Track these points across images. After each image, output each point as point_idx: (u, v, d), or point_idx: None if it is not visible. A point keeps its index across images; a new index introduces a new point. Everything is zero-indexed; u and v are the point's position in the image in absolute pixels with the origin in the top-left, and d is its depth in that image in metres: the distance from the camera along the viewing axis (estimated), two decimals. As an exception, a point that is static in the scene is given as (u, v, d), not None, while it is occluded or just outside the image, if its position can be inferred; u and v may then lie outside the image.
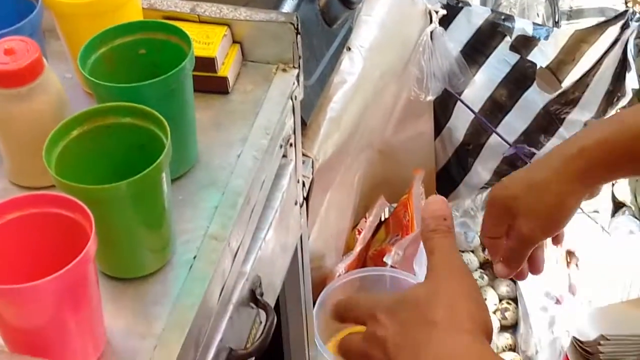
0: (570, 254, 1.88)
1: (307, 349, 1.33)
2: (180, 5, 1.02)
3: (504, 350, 1.90)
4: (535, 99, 1.78)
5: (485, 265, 2.01)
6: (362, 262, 1.64)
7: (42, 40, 0.94)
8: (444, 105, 1.79)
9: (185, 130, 0.89)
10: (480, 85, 1.78)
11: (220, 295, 0.84)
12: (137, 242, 0.80)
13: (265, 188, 0.96)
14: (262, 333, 0.92)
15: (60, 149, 0.76)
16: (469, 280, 0.80)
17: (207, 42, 1.00)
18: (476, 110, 1.77)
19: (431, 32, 1.65)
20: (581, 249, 1.88)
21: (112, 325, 0.77)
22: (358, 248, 1.60)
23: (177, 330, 0.75)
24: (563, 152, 0.96)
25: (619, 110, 1.01)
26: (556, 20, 2.40)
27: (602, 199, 2.12)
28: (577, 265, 1.87)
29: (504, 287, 1.98)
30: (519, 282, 1.84)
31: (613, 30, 1.74)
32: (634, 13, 1.75)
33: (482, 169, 1.85)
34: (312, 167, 1.25)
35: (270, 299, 1.01)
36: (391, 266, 1.55)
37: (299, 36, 1.02)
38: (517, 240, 0.98)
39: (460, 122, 1.81)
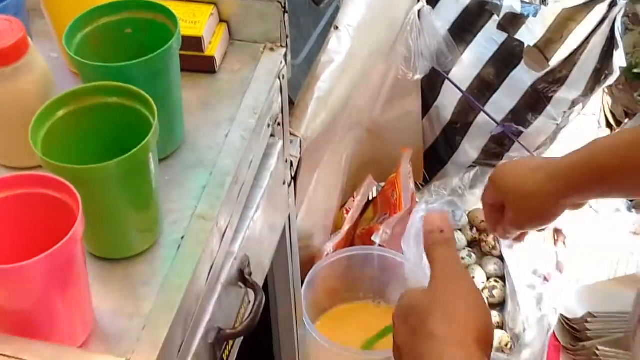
0: (557, 232, 1.88)
1: (296, 327, 1.33)
2: (167, -17, 1.01)
3: (491, 328, 1.89)
4: (522, 77, 1.78)
5: (473, 244, 2.01)
6: (350, 241, 1.64)
7: (26, 19, 0.93)
8: (432, 84, 1.78)
9: (172, 109, 0.88)
10: (467, 64, 1.78)
11: (208, 275, 0.84)
12: (125, 222, 0.79)
13: (253, 168, 0.96)
14: (250, 313, 0.92)
15: (46, 129, 0.76)
16: (467, 285, 0.87)
17: (193, 21, 0.99)
18: (464, 89, 1.77)
19: (419, 11, 1.65)
20: (568, 227, 1.88)
21: (100, 305, 0.76)
22: (346, 227, 1.60)
23: (165, 311, 0.75)
24: (548, 170, 1.12)
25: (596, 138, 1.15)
26: (544, -2, 2.40)
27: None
28: (564, 243, 1.87)
29: (492, 266, 1.98)
30: (507, 261, 1.84)
31: (601, 9, 1.74)
32: (621, -9, 1.75)
33: (469, 148, 1.85)
34: (300, 146, 1.25)
35: (259, 279, 1.01)
36: (379, 245, 1.55)
37: (286, 15, 1.01)
38: (510, 225, 1.15)
39: (448, 100, 1.81)
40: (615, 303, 1.57)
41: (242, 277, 0.93)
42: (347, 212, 1.62)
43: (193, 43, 0.98)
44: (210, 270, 0.84)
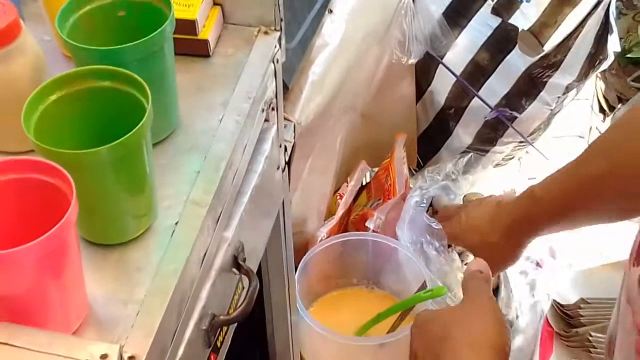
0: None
1: (289, 313, 1.33)
2: (160, -34, 1.00)
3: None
4: (517, 62, 1.77)
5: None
6: (343, 226, 1.64)
7: (18, 2, 0.92)
8: (426, 68, 1.77)
9: (166, 93, 0.88)
10: (462, 49, 1.77)
11: (202, 261, 0.83)
12: (119, 207, 0.79)
13: (247, 152, 0.95)
14: (244, 299, 0.91)
15: (39, 113, 0.75)
16: (492, 308, 1.02)
17: (187, 4, 0.98)
18: (458, 74, 1.76)
19: (413, -6, 1.64)
20: (561, 212, 1.88)
21: (94, 291, 0.76)
22: (340, 213, 1.59)
23: (159, 296, 0.75)
24: (504, 221, 1.33)
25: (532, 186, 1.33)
26: (538, -18, 2.38)
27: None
28: (557, 228, 1.87)
29: (485, 251, 1.98)
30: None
31: (595, -7, 1.73)
32: (615, -25, 1.74)
33: (463, 133, 1.84)
34: (294, 131, 1.24)
35: (253, 265, 1.00)
36: (373, 231, 1.55)
37: (280, -2, 1.00)
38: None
39: (442, 85, 1.80)
40: (609, 289, 1.57)
41: (236, 263, 0.93)
42: (341, 197, 1.62)
43: (187, 26, 0.97)
44: (204, 256, 0.83)
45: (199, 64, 0.99)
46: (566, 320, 1.62)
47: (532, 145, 1.89)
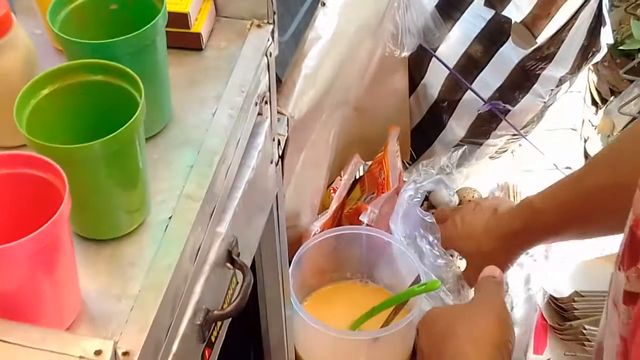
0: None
1: (283, 308, 1.33)
2: (152, -41, 0.99)
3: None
4: (510, 54, 1.76)
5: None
6: (337, 220, 1.64)
7: (9, -5, 0.91)
8: (419, 61, 1.77)
9: (159, 87, 0.87)
10: (455, 41, 1.76)
11: (196, 255, 0.83)
12: (112, 202, 0.78)
13: (240, 146, 0.95)
14: (239, 293, 0.91)
15: (31, 108, 0.74)
16: (499, 308, 1.07)
17: (179, -4, 0.98)
18: (451, 67, 1.76)
19: (406, -13, 1.63)
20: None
21: (87, 287, 0.75)
22: (333, 207, 1.59)
23: (153, 292, 0.74)
24: (500, 231, 1.39)
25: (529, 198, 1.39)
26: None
27: (575, 155, 2.13)
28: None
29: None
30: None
31: (588, -16, 1.73)
32: (608, -33, 1.74)
33: (456, 126, 1.84)
34: (288, 124, 1.24)
35: (247, 259, 1.00)
36: (367, 224, 1.54)
37: (273, -10, 1.00)
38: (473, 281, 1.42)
39: (435, 78, 1.79)
40: (603, 282, 1.56)
41: (230, 258, 0.92)
42: (334, 191, 1.61)
43: (179, 19, 0.96)
44: (198, 251, 0.83)
45: (192, 58, 0.99)
46: (560, 313, 1.62)
47: (525, 138, 1.89)
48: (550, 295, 1.62)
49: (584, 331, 1.56)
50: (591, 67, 2.26)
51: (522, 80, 1.79)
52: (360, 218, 1.55)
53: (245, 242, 0.98)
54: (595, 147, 2.20)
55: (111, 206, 0.78)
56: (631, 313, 0.77)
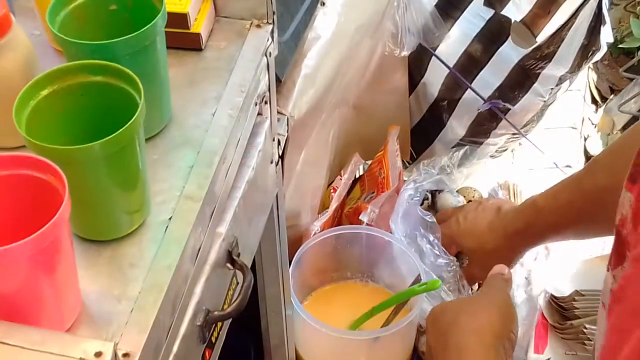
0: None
1: (284, 307, 1.33)
2: (151, -41, 0.99)
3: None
4: (510, 54, 1.76)
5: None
6: (337, 220, 1.63)
7: (9, -4, 0.91)
8: (419, 60, 1.76)
9: (158, 88, 0.87)
10: (454, 40, 1.76)
11: (196, 256, 0.83)
12: (112, 203, 0.78)
13: (240, 147, 0.95)
14: (239, 294, 0.91)
15: (30, 109, 0.74)
16: (501, 301, 1.10)
17: (179, -3, 0.98)
18: (451, 66, 1.76)
19: (405, -14, 1.63)
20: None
21: (87, 288, 0.75)
22: (333, 206, 1.59)
23: (154, 293, 0.74)
24: (505, 229, 1.40)
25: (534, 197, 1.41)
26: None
27: (575, 154, 2.13)
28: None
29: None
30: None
31: (588, -17, 1.72)
32: (608, -34, 1.74)
33: (457, 125, 1.83)
34: (288, 124, 1.23)
35: (247, 259, 1.00)
36: (367, 224, 1.54)
37: (272, -10, 1.00)
38: (475, 279, 1.49)
39: (435, 77, 1.79)
40: (604, 281, 1.57)
41: (231, 258, 0.92)
42: (334, 190, 1.61)
43: (178, 20, 0.96)
44: (198, 252, 0.83)
45: (191, 58, 0.98)
46: (561, 312, 1.62)
47: (526, 137, 1.89)
48: (551, 295, 1.62)
49: (585, 330, 1.56)
50: (591, 66, 2.26)
51: (522, 79, 1.79)
52: (360, 217, 1.55)
53: (246, 242, 0.98)
54: (595, 145, 2.20)
55: (111, 207, 0.78)
56: None
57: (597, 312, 1.54)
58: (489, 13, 1.75)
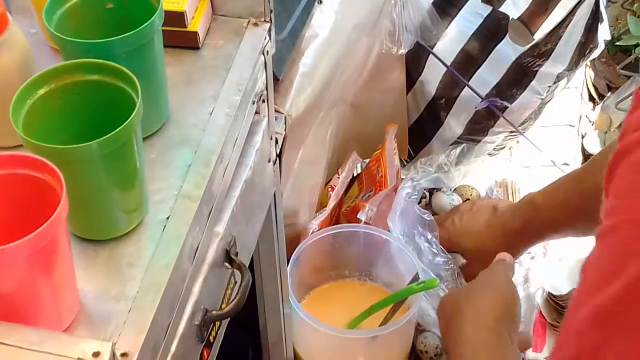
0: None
1: (282, 306, 1.32)
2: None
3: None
4: (507, 51, 1.76)
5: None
6: (335, 218, 1.63)
7: (5, -5, 0.91)
8: (416, 58, 1.76)
9: (156, 87, 0.87)
10: (452, 38, 1.76)
11: (194, 255, 0.82)
12: (109, 202, 0.78)
13: (238, 145, 0.95)
14: (237, 293, 0.91)
15: (27, 108, 0.74)
16: (502, 282, 1.14)
17: (176, -5, 0.97)
18: (448, 64, 1.75)
19: (402, -16, 1.63)
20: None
21: (85, 288, 0.75)
22: (331, 205, 1.58)
23: (152, 292, 0.74)
24: (502, 228, 1.41)
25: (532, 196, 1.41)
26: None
27: (572, 151, 2.13)
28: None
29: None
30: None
31: (585, -19, 1.72)
32: (605, -37, 1.74)
33: (454, 123, 1.83)
34: (285, 123, 1.23)
35: (245, 258, 1.00)
36: (365, 222, 1.54)
37: (270, -11, 1.00)
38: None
39: (433, 75, 1.79)
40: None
41: (228, 258, 0.92)
42: (332, 189, 1.61)
43: (176, 18, 0.96)
44: (196, 251, 0.83)
45: (189, 56, 0.98)
46: (559, 310, 1.62)
47: (523, 135, 1.89)
48: (549, 293, 1.62)
49: (583, 328, 1.56)
50: (588, 63, 2.25)
51: (519, 77, 1.79)
52: (358, 216, 1.54)
53: (244, 241, 0.98)
54: (592, 143, 2.20)
55: (109, 206, 0.78)
56: None
57: (595, 310, 1.55)
58: (486, 10, 1.74)
